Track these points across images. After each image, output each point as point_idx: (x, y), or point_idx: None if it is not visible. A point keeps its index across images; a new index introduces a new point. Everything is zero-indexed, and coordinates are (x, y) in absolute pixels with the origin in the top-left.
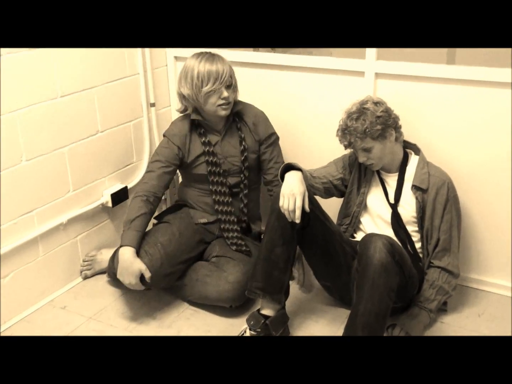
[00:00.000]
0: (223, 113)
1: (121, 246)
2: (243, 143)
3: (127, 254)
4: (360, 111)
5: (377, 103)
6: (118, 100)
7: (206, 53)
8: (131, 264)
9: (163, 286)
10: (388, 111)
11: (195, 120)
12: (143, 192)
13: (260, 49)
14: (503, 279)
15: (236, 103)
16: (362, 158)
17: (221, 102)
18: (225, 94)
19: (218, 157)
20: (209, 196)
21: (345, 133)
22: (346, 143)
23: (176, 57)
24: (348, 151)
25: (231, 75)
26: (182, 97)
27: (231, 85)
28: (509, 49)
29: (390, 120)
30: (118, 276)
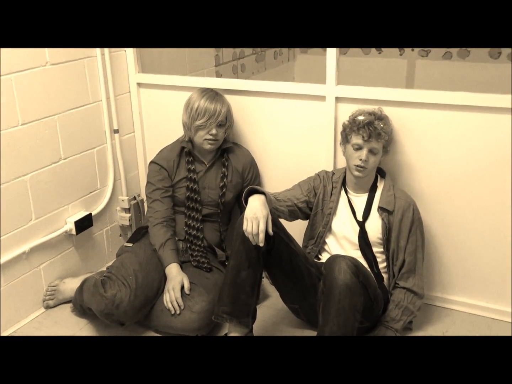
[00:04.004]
0: (208, 147)
1: (166, 266)
2: (225, 179)
3: (174, 269)
4: (382, 116)
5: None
6: (81, 127)
7: (211, 90)
8: (177, 276)
9: (137, 319)
10: None
11: (185, 148)
12: (159, 219)
13: (223, 74)
14: (466, 297)
15: (227, 141)
16: (364, 157)
17: (209, 137)
18: (214, 131)
19: (198, 185)
20: (180, 215)
21: (370, 128)
22: (366, 136)
23: (139, 84)
24: (313, 173)
25: (227, 116)
26: (182, 125)
27: (223, 125)
28: (464, 74)
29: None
30: (166, 287)
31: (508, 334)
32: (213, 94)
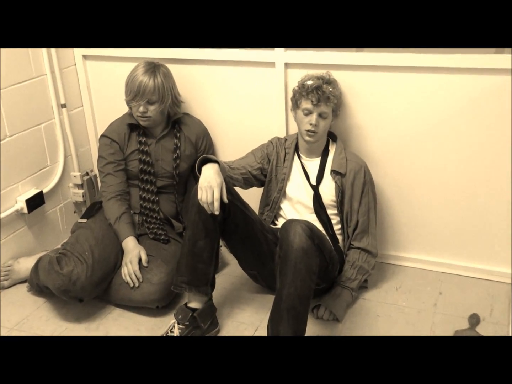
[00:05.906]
0: (142, 123)
1: (123, 240)
2: (178, 150)
3: (130, 243)
4: (330, 80)
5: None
6: (26, 103)
7: (150, 63)
8: (134, 249)
9: (95, 294)
10: None
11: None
12: (113, 193)
13: None
14: (418, 253)
15: (178, 113)
16: (314, 121)
17: (138, 114)
18: (141, 109)
19: (151, 157)
20: (135, 188)
21: (318, 92)
22: (314, 101)
23: (84, 56)
24: (266, 140)
25: (158, 92)
26: None
27: (154, 102)
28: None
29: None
30: (123, 260)
31: (458, 286)
32: (146, 69)
